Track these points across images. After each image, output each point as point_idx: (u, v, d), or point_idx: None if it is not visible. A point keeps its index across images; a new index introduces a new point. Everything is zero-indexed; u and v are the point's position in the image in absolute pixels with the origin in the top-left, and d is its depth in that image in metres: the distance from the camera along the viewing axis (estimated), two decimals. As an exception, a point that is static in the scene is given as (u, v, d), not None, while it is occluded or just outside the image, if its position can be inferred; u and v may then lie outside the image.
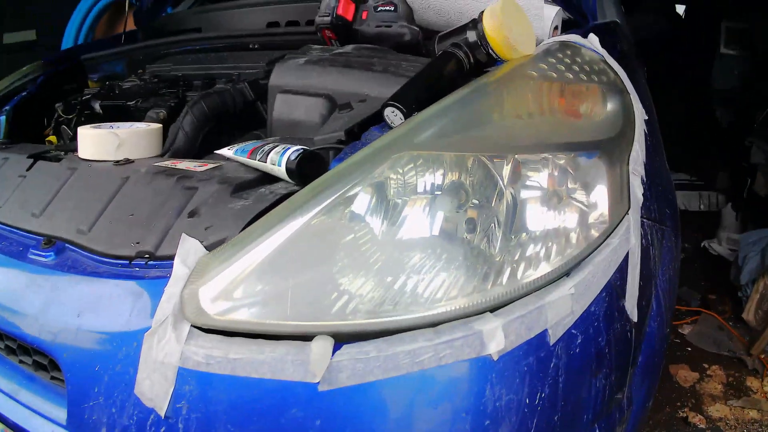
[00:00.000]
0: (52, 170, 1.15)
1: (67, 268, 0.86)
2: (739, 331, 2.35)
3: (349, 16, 1.49)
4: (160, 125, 1.27)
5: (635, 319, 0.86)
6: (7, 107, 1.88)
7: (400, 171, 0.72)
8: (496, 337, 0.63)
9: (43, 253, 0.92)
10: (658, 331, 0.99)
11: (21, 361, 0.91)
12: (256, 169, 0.96)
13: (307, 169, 0.87)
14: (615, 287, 0.80)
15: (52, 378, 0.87)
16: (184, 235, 0.78)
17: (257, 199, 0.85)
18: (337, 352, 0.64)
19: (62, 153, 1.31)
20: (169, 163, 1.07)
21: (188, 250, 0.75)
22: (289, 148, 0.88)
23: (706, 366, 2.18)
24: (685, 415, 1.91)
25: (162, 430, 0.69)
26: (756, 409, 1.92)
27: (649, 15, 2.09)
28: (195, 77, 1.78)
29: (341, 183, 0.72)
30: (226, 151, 1.05)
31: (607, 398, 0.82)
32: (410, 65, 1.19)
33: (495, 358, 0.64)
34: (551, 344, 0.69)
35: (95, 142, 1.16)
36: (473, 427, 0.64)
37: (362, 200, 0.72)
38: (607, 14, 1.58)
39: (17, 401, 0.89)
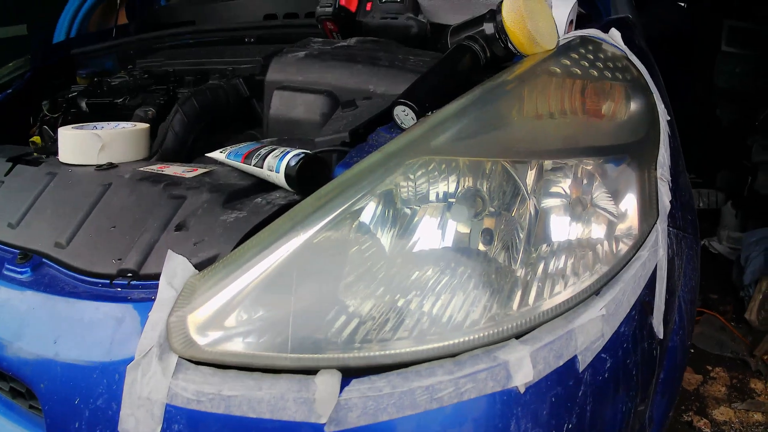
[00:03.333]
0: (30, 175, 1.07)
1: (43, 287, 0.78)
2: (741, 332, 2.31)
3: (353, 7, 1.42)
4: (147, 125, 1.20)
5: (662, 336, 0.80)
6: None
7: (412, 177, 0.65)
8: (523, 368, 0.57)
9: (19, 269, 0.84)
10: (680, 345, 0.94)
11: None
12: (252, 176, 0.88)
13: (309, 176, 0.79)
14: (644, 304, 0.74)
15: (31, 407, 0.79)
16: (170, 251, 0.70)
17: (252, 210, 0.77)
18: (346, 388, 0.57)
19: (43, 156, 1.23)
20: (155, 167, 0.99)
21: (175, 269, 0.68)
22: (288, 152, 0.80)
23: (709, 368, 2.13)
24: (690, 419, 1.87)
25: (149, 473, 0.62)
26: (761, 412, 1.88)
27: (660, 9, 2.02)
28: (187, 72, 1.71)
29: (348, 193, 0.65)
30: (217, 155, 0.97)
31: (631, 419, 0.76)
32: (419, 60, 1.12)
33: (522, 390, 0.57)
34: (580, 371, 0.62)
35: (76, 144, 1.08)
36: None
37: (372, 213, 0.65)
38: (620, 9, 1.52)
39: None
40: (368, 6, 1.43)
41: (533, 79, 0.79)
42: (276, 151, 0.83)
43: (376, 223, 0.65)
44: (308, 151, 0.81)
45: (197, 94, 1.37)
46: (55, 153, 1.19)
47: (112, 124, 1.20)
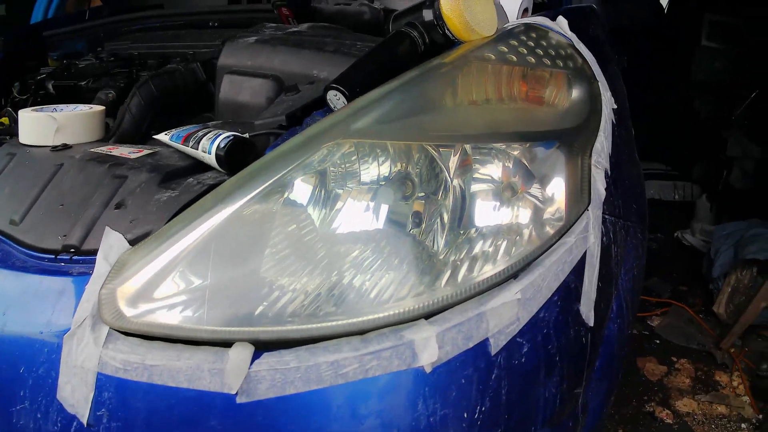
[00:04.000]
0: None
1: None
2: (709, 324, 2.34)
3: None
4: (103, 108, 1.21)
5: (591, 324, 0.81)
6: None
7: (339, 159, 0.66)
8: (429, 348, 0.57)
9: None
10: (618, 333, 0.94)
11: None
12: (190, 157, 0.90)
13: (240, 158, 0.81)
14: (569, 290, 0.74)
15: None
16: (107, 228, 0.74)
17: (184, 190, 0.81)
18: (256, 360, 0.58)
19: (7, 137, 1.24)
20: (105, 149, 1.01)
21: (111, 245, 0.71)
22: (220, 135, 0.82)
23: (674, 359, 2.16)
24: (651, 409, 1.89)
25: (86, 438, 0.64)
26: (725, 404, 1.91)
27: (629, 3, 2.04)
28: (150, 56, 1.72)
29: (271, 172, 0.66)
30: (162, 137, 0.99)
31: (558, 407, 0.77)
32: (365, 45, 1.13)
33: (428, 370, 0.58)
34: (492, 354, 0.63)
35: (33, 125, 1.11)
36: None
37: (295, 190, 0.66)
38: None
39: None
40: None
41: (464, 65, 0.79)
42: (210, 133, 0.85)
43: (300, 201, 0.66)
44: (237, 133, 0.82)
45: (155, 78, 1.38)
46: (14, 133, 1.20)
47: (71, 106, 1.22)
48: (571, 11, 1.23)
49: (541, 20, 1.02)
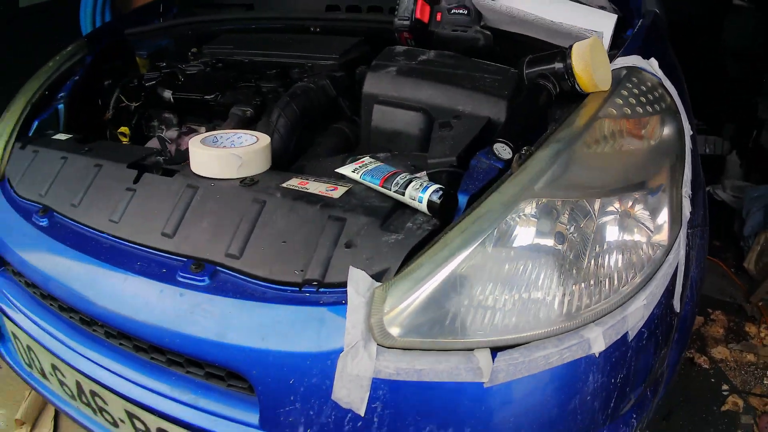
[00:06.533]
0: (167, 186, 1.20)
1: (231, 293, 0.99)
2: (740, 279, 2.59)
3: (426, 19, 1.57)
4: (269, 138, 1.29)
5: (678, 311, 1.13)
6: (61, 94, 1.82)
7: (527, 212, 0.93)
8: (598, 342, 0.90)
9: (196, 277, 1.02)
10: (690, 313, 1.26)
11: (188, 372, 1.06)
12: (389, 197, 1.06)
13: (448, 207, 1.00)
14: (669, 291, 1.06)
15: (229, 386, 1.03)
16: (352, 267, 0.91)
17: (407, 233, 0.98)
18: (496, 359, 0.88)
19: (162, 161, 1.34)
20: (296, 183, 1.14)
21: (358, 280, 0.90)
22: (428, 186, 1.00)
23: (710, 311, 2.42)
24: (691, 355, 2.17)
25: (359, 424, 0.90)
26: (753, 353, 2.18)
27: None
28: (263, 64, 1.79)
29: (486, 223, 0.91)
30: (349, 173, 1.14)
31: (656, 365, 1.09)
32: (493, 79, 1.32)
33: (597, 356, 0.90)
34: (629, 341, 0.95)
35: (217, 162, 1.17)
36: (581, 399, 0.92)
37: (503, 236, 0.92)
38: (648, 4, 1.66)
39: (197, 408, 1.03)
40: (438, 16, 1.58)
41: (598, 125, 1.05)
42: (414, 182, 1.02)
43: (507, 243, 0.92)
44: (443, 187, 1.01)
45: (295, 99, 1.48)
46: (178, 162, 1.31)
47: (238, 135, 1.28)
48: (650, 38, 1.42)
49: (636, 60, 1.25)
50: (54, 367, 1.32)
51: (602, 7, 1.53)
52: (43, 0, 3.34)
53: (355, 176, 1.13)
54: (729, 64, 3.59)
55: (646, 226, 1.02)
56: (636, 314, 0.95)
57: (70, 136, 1.60)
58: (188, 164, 1.24)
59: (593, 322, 0.92)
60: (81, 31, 3.44)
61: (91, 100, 1.87)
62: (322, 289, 0.96)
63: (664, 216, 1.06)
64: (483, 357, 0.87)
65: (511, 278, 0.91)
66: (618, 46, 1.37)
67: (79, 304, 1.19)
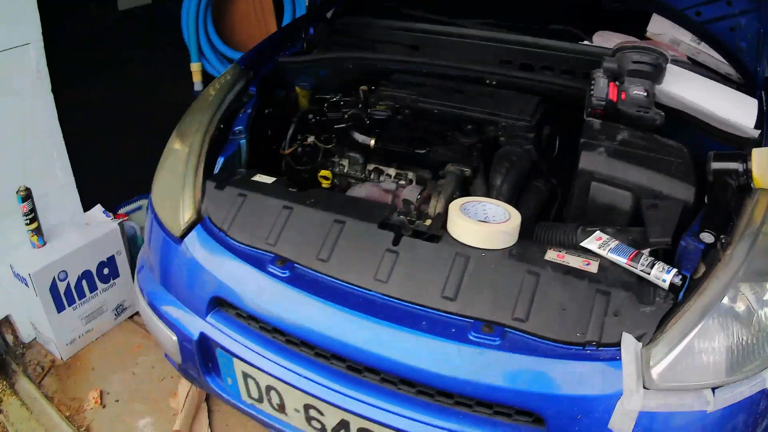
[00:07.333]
0: (435, 252, 1.36)
1: (525, 351, 1.22)
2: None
3: (615, 98, 1.76)
4: (520, 216, 1.44)
5: None
6: (238, 127, 1.81)
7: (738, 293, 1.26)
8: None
9: (488, 337, 1.24)
10: None
11: (475, 411, 1.29)
12: (632, 273, 1.32)
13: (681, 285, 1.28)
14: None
15: (515, 420, 1.28)
16: (624, 333, 1.21)
17: (658, 305, 1.26)
18: (715, 394, 1.28)
19: (406, 221, 1.46)
20: (554, 255, 1.36)
21: (629, 343, 1.21)
22: (670, 270, 1.28)
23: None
24: None
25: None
26: None
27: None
28: (453, 116, 1.87)
29: (717, 298, 1.24)
30: (594, 247, 1.37)
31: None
32: (679, 164, 1.57)
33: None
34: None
35: (485, 235, 1.35)
36: (756, 417, 1.32)
37: (730, 305, 1.27)
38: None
39: None
40: (622, 96, 1.77)
41: None
42: (657, 265, 1.30)
43: (720, 317, 1.27)
44: (679, 270, 1.29)
45: (515, 165, 1.73)
46: (433, 227, 1.44)
47: (480, 204, 1.45)
48: None
49: None
50: (308, 406, 1.46)
51: (728, 75, 1.91)
52: (142, 3, 3.33)
53: (602, 252, 1.38)
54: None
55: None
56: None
57: (273, 178, 1.65)
58: (445, 230, 1.40)
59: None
60: (182, 36, 3.46)
61: (260, 131, 1.89)
62: (601, 348, 1.23)
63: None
64: (708, 394, 1.26)
65: (723, 339, 1.27)
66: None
67: (343, 350, 1.34)
